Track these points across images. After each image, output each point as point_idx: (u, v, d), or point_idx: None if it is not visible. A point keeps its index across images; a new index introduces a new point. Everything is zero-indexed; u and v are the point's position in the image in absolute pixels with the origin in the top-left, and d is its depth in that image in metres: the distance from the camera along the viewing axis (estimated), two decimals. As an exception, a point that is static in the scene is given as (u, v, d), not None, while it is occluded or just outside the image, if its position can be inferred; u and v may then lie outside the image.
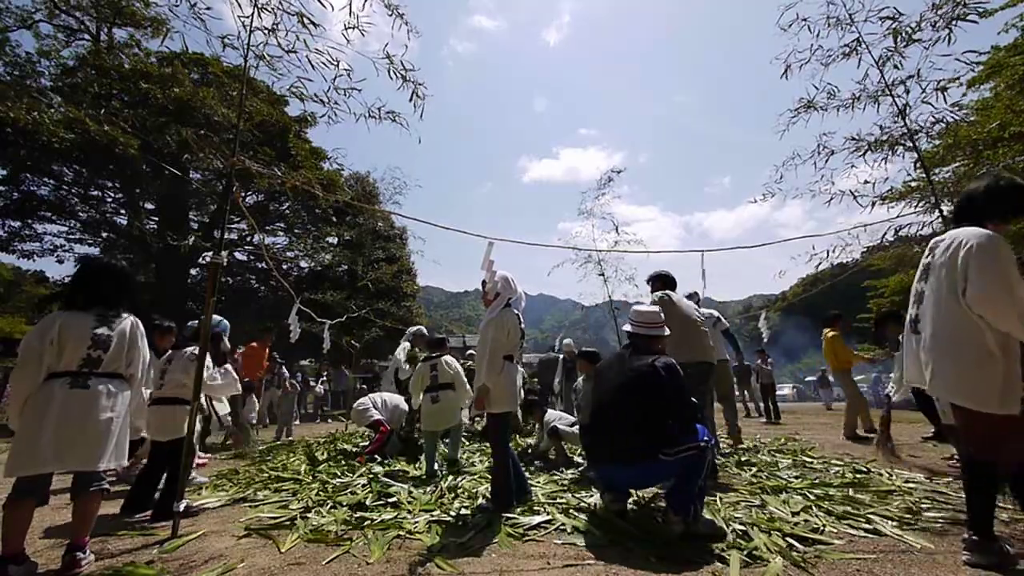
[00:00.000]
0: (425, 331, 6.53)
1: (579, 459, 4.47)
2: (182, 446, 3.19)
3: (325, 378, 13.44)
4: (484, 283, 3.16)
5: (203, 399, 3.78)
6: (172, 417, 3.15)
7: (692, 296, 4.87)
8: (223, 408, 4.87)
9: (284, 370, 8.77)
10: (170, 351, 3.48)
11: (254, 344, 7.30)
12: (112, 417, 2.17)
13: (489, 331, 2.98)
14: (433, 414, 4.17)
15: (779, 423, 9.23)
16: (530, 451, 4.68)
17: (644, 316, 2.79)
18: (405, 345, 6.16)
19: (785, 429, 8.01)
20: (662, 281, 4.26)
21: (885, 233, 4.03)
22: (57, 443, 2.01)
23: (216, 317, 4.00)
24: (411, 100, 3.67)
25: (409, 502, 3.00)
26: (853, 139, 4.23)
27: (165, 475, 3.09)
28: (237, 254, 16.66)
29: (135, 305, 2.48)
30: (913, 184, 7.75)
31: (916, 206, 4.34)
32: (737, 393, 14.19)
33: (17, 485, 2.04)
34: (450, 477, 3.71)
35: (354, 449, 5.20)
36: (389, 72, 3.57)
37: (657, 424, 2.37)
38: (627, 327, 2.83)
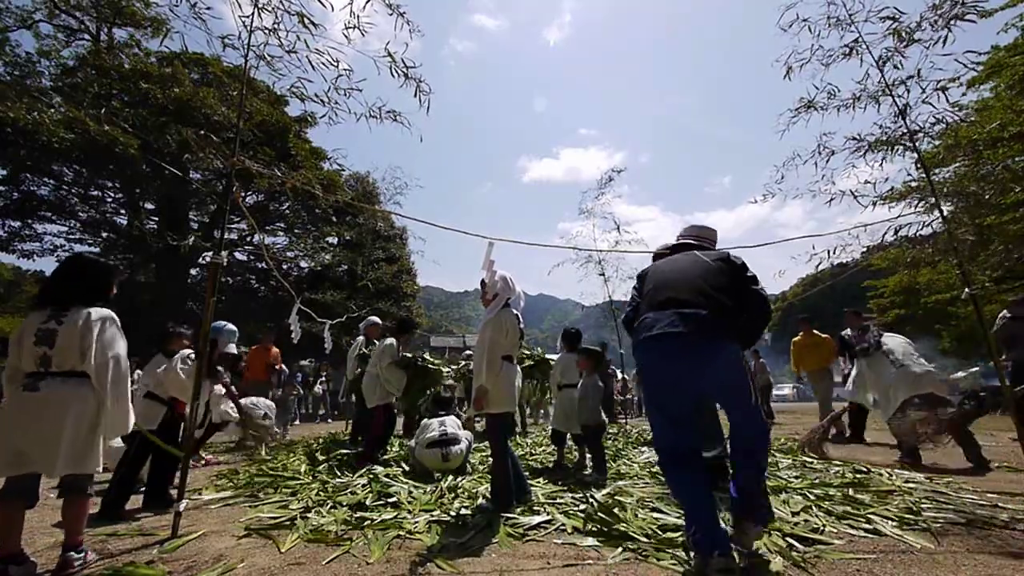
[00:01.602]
0: (378, 320, 6.08)
1: (585, 467, 4.47)
2: (144, 439, 3.16)
3: (324, 378, 13.42)
4: (483, 283, 3.16)
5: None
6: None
7: None
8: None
9: (284, 368, 8.79)
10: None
11: (255, 346, 7.57)
12: (64, 421, 2.00)
13: (488, 331, 2.98)
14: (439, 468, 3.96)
15: (774, 422, 9.23)
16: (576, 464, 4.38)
17: (704, 231, 2.55)
18: (359, 340, 5.71)
19: (785, 429, 8.01)
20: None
21: (885, 233, 4.03)
22: (9, 448, 1.97)
23: (221, 323, 4.02)
24: (416, 95, 3.65)
25: (409, 502, 3.00)
26: (853, 139, 4.22)
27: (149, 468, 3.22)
28: (237, 254, 16.66)
29: (105, 298, 2.29)
30: (913, 184, 7.76)
31: (916, 206, 4.34)
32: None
33: (4, 487, 2.02)
34: (450, 477, 3.71)
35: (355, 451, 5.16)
36: (391, 70, 3.56)
37: (735, 309, 2.02)
38: (685, 241, 2.52)
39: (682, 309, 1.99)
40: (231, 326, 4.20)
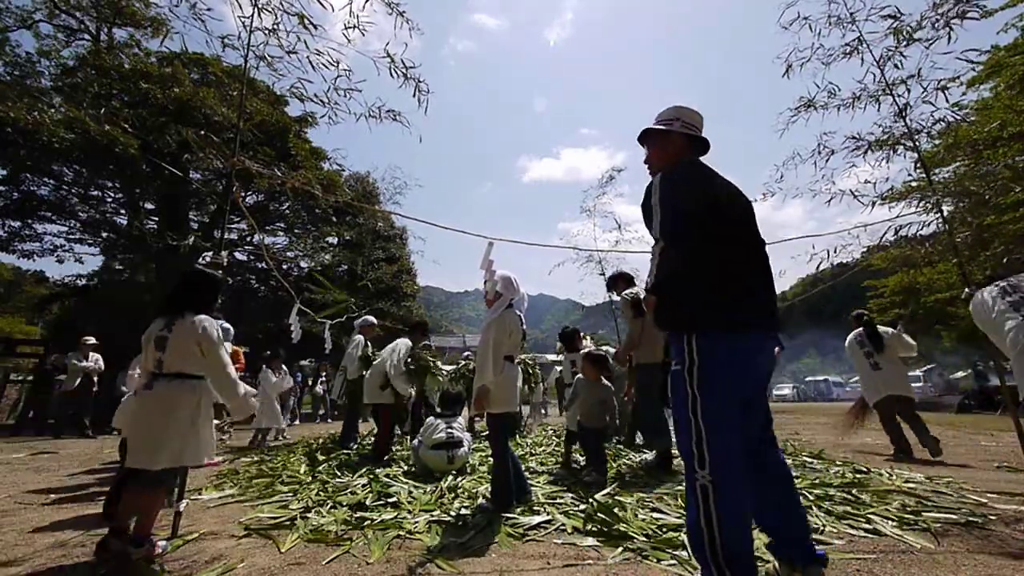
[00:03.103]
0: (374, 320, 5.92)
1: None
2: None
3: (324, 378, 13.44)
4: (486, 283, 3.16)
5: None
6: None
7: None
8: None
9: (284, 368, 8.79)
10: None
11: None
12: (168, 417, 2.24)
13: (491, 331, 2.97)
14: (443, 470, 3.94)
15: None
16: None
17: (693, 116, 1.90)
18: (359, 339, 5.52)
19: (785, 429, 8.01)
20: (625, 280, 4.40)
21: (885, 233, 4.03)
22: (132, 441, 2.29)
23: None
24: (415, 95, 3.65)
25: (409, 502, 3.00)
26: (854, 139, 4.23)
27: None
28: (237, 254, 16.66)
29: (211, 306, 2.56)
30: (913, 184, 7.75)
31: (916, 206, 4.35)
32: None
33: (126, 475, 2.33)
34: (450, 477, 3.71)
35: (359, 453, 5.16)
36: (391, 70, 3.57)
37: None
38: (684, 130, 1.85)
39: (770, 282, 1.56)
40: (225, 324, 4.17)
